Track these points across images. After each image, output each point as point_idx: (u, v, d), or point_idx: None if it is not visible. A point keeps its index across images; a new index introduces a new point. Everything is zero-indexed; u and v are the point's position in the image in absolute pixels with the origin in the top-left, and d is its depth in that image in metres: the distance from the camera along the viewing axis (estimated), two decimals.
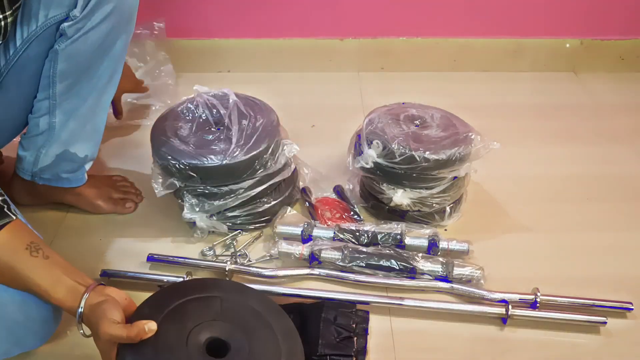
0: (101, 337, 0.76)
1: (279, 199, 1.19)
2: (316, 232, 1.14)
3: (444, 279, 1.06)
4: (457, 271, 1.06)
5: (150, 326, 0.76)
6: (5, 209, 0.81)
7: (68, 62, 1.01)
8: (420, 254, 1.09)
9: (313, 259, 1.09)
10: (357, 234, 1.13)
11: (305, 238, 1.13)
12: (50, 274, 0.81)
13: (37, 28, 0.97)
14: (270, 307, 0.90)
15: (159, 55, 1.64)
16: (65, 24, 0.97)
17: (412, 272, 1.07)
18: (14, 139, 1.14)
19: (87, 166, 1.17)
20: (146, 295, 1.03)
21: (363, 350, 0.94)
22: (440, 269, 1.07)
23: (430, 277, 1.07)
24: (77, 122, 1.09)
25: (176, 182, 1.10)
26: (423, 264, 1.07)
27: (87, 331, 0.80)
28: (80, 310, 0.79)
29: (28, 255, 0.80)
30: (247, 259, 1.13)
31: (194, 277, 1.06)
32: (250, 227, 1.18)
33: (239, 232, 1.18)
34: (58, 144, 1.09)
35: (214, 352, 0.81)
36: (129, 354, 0.75)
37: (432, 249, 1.12)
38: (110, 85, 1.10)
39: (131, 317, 0.79)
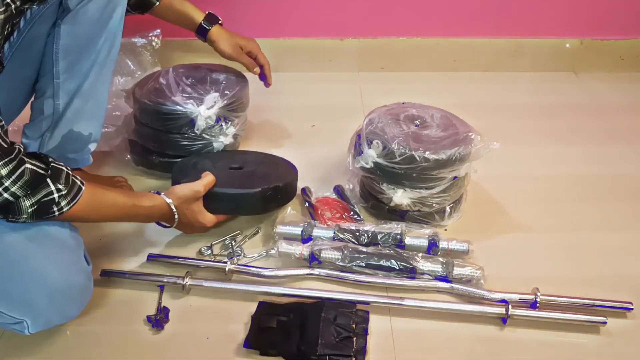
0: (194, 196, 1.07)
1: None
2: (316, 232, 1.14)
3: (444, 279, 1.06)
4: (457, 271, 1.06)
5: (212, 176, 1.11)
6: (73, 175, 0.88)
7: (70, 36, 1.03)
8: (420, 254, 1.09)
9: (313, 259, 1.09)
10: (357, 234, 1.13)
11: (305, 238, 1.13)
12: (135, 194, 1.06)
13: (41, 7, 0.98)
14: (249, 154, 1.29)
15: (154, 64, 1.65)
16: None
17: (412, 272, 1.07)
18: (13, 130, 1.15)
19: (92, 146, 1.19)
20: (147, 294, 1.05)
21: (362, 350, 0.94)
22: (440, 269, 1.07)
23: (430, 277, 1.07)
24: (80, 100, 1.10)
25: None
26: (423, 264, 1.07)
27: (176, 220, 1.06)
28: (169, 201, 1.04)
29: (113, 190, 0.99)
30: (242, 255, 1.13)
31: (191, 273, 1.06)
32: None
33: (238, 233, 1.18)
34: (63, 125, 1.11)
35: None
36: (211, 194, 1.11)
37: (432, 249, 1.12)
38: (109, 59, 1.12)
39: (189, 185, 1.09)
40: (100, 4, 1.03)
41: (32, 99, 1.11)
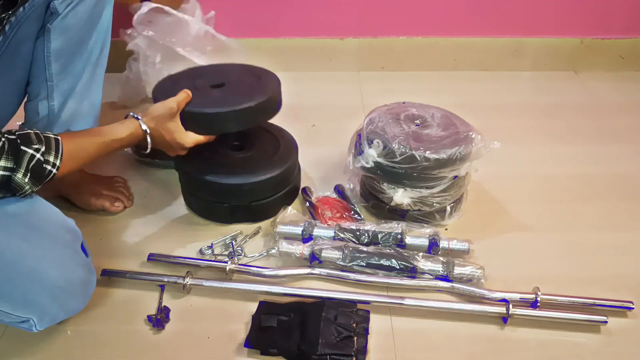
0: (169, 113, 1.06)
1: None
2: (317, 231, 1.14)
3: (445, 278, 1.06)
4: (457, 270, 1.06)
5: (187, 91, 1.11)
6: (45, 133, 0.89)
7: (61, 38, 1.03)
8: (420, 254, 1.09)
9: (313, 259, 1.09)
10: (358, 233, 1.13)
11: (306, 237, 1.13)
12: (110, 127, 1.02)
13: (25, 10, 0.97)
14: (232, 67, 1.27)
15: None
16: (56, 2, 0.99)
17: (412, 272, 1.07)
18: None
19: None
20: (147, 294, 1.05)
21: (363, 350, 0.94)
22: (441, 269, 1.07)
23: (431, 277, 1.07)
24: (75, 101, 1.10)
25: None
26: (424, 264, 1.07)
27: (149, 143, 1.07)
28: (144, 127, 1.04)
29: (89, 132, 1.02)
30: (243, 254, 1.13)
31: (194, 276, 1.06)
32: None
33: (239, 232, 1.18)
34: (59, 126, 1.11)
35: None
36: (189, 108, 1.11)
37: (432, 248, 1.12)
38: (101, 58, 1.12)
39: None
40: (89, 4, 1.03)
41: (26, 100, 1.11)
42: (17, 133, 0.85)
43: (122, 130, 1.03)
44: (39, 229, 0.88)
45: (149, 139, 1.06)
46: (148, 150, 1.08)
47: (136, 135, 1.04)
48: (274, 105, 1.17)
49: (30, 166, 0.85)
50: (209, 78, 1.21)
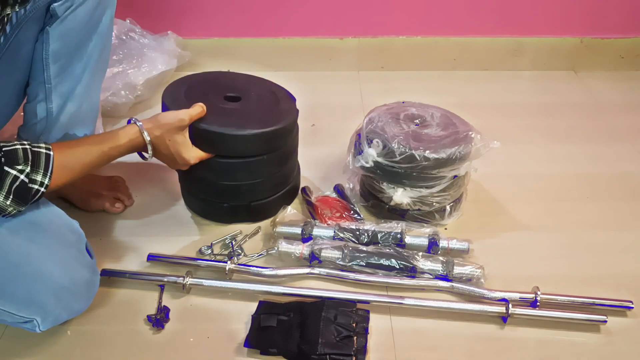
0: (178, 125, 1.03)
1: None
2: (316, 231, 1.14)
3: (444, 277, 1.06)
4: (457, 270, 1.06)
5: (202, 106, 1.07)
6: (35, 147, 0.86)
7: (60, 41, 1.03)
8: (420, 253, 1.09)
9: (313, 258, 1.09)
10: (357, 233, 1.13)
11: (306, 237, 1.13)
12: (109, 134, 0.99)
13: (26, 12, 0.98)
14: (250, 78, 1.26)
15: None
16: (55, 4, 0.99)
17: (412, 271, 1.07)
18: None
19: None
20: (147, 294, 1.05)
21: (363, 349, 0.94)
22: (441, 268, 1.07)
23: (431, 276, 1.07)
24: (74, 104, 1.10)
25: None
26: (423, 263, 1.07)
27: (150, 152, 1.03)
28: (146, 135, 1.01)
29: (85, 141, 0.98)
30: (242, 254, 1.13)
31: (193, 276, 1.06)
32: None
33: (239, 232, 1.18)
34: (57, 129, 1.10)
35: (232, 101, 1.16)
36: (199, 123, 1.06)
37: (432, 247, 1.12)
38: (101, 61, 1.12)
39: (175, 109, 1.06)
40: (89, 7, 1.03)
41: (25, 101, 1.11)
42: (4, 149, 0.82)
43: (121, 137, 0.99)
44: (44, 230, 0.88)
45: (149, 149, 1.02)
46: (149, 159, 1.05)
47: (136, 143, 1.01)
48: (289, 133, 1.16)
49: (13, 188, 0.82)
50: (225, 88, 1.18)
